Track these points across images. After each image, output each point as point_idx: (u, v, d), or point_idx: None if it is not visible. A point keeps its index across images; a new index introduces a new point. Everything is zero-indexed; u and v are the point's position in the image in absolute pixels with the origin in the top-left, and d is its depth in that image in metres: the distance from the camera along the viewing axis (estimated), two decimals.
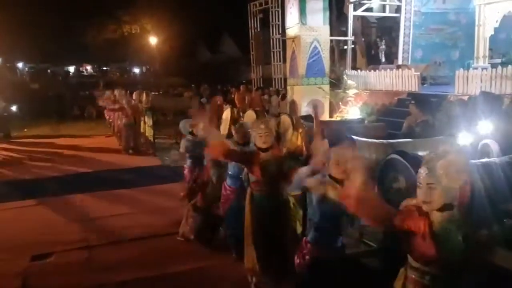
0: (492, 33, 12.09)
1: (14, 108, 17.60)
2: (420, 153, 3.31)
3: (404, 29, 14.32)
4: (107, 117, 14.71)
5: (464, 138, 4.83)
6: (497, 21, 11.89)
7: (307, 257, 3.37)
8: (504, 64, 9.87)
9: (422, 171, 2.19)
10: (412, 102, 6.22)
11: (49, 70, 43.35)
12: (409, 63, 13.69)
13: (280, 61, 16.43)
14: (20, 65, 43.13)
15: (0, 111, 16.64)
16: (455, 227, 2.27)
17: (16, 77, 37.72)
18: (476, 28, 12.24)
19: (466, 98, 7.99)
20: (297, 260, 3.46)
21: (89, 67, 46.89)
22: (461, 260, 2.31)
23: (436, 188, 2.15)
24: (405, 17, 14.28)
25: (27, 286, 4.64)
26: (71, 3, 31.74)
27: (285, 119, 5.06)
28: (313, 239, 3.36)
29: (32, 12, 30.22)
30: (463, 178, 2.16)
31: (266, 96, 15.00)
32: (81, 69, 46.47)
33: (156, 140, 12.05)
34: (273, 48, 16.66)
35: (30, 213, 6.97)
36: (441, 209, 2.23)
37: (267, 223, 4.03)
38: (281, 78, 16.22)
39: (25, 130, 16.45)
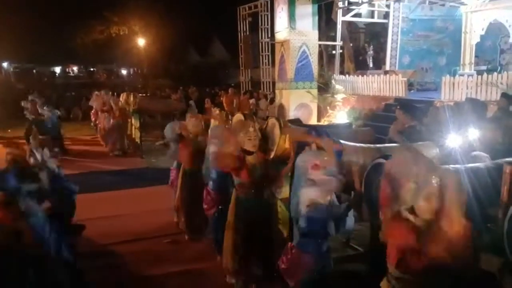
0: (478, 40, 12.29)
1: None
2: None
3: (392, 35, 14.46)
4: (93, 119, 14.55)
5: (450, 143, 4.87)
6: (483, 29, 12.09)
7: (297, 263, 3.35)
8: (489, 71, 10.02)
9: None
10: (398, 107, 6.26)
11: (34, 70, 42.83)
12: (397, 68, 13.82)
13: (268, 65, 16.46)
14: (5, 64, 42.55)
15: None
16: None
17: (1, 77, 37.20)
18: (463, 35, 12.42)
19: (451, 104, 8.09)
20: (281, 265, 3.43)
21: (75, 68, 46.46)
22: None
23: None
24: (393, 23, 14.42)
25: None
26: (58, 3, 31.45)
27: (273, 122, 5.04)
28: (299, 244, 3.35)
29: (18, 11, 29.84)
30: None
31: (253, 100, 15.01)
32: (67, 69, 46.02)
33: (143, 142, 11.95)
34: (262, 51, 16.69)
35: None
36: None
37: (252, 226, 4.02)
38: (269, 82, 16.24)
39: (9, 130, 16.20)
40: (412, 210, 2.46)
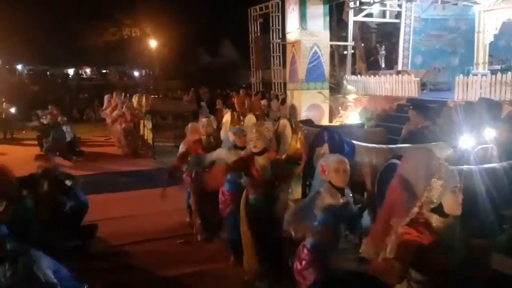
0: (492, 39, 12.15)
1: (13, 110, 17.57)
2: None
3: (404, 35, 14.37)
4: (107, 121, 14.67)
5: (464, 144, 4.82)
6: (496, 28, 11.95)
7: (303, 262, 3.35)
8: (503, 71, 9.89)
9: None
10: (411, 108, 6.21)
11: (48, 73, 43.29)
12: (409, 68, 13.72)
13: (280, 66, 16.45)
14: (19, 67, 43.11)
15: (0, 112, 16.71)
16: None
17: (15, 79, 37.67)
18: (476, 34, 12.29)
19: (464, 104, 8.01)
20: (296, 266, 3.43)
21: (88, 70, 46.85)
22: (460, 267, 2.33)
23: None
24: (405, 23, 14.32)
25: None
26: (71, 5, 31.76)
27: (284, 123, 5.05)
28: (311, 244, 3.34)
29: (32, 14, 30.20)
30: None
31: (265, 101, 15.02)
32: (80, 71, 46.40)
33: (155, 143, 12.02)
34: (273, 52, 16.68)
35: None
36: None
37: (263, 226, 4.03)
38: (280, 83, 16.22)
39: (24, 132, 16.42)
40: (435, 209, 2.47)
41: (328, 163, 3.26)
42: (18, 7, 28.87)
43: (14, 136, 16.30)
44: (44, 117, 12.17)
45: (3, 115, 16.76)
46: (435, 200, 2.46)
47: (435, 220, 2.48)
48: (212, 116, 5.72)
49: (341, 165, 3.24)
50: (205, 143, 5.38)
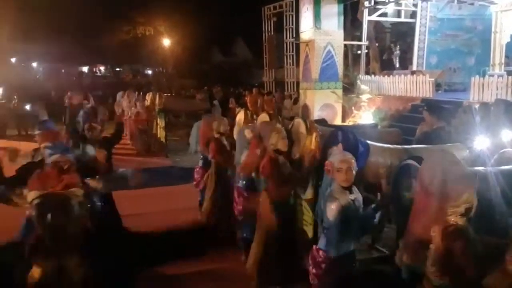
0: (509, 40, 11.96)
1: (28, 107, 17.78)
2: None
3: (419, 35, 14.24)
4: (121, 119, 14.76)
5: (480, 145, 4.76)
6: None
7: (322, 265, 3.32)
8: None
9: None
10: (426, 108, 6.14)
11: (62, 70, 43.75)
12: (424, 69, 13.59)
13: (293, 65, 16.42)
14: (34, 64, 43.64)
15: (14, 109, 16.91)
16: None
17: (31, 77, 38.12)
18: (493, 34, 12.11)
19: (480, 104, 7.89)
20: (310, 268, 3.40)
21: (102, 68, 47.25)
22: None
23: None
24: (420, 22, 14.19)
25: None
26: (87, 4, 32.05)
27: (298, 122, 5.02)
28: (324, 245, 3.33)
29: (47, 12, 30.57)
30: None
31: (273, 97, 14.94)
32: (94, 69, 46.83)
33: (168, 141, 12.07)
34: (287, 51, 16.65)
35: None
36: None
37: (279, 227, 4.01)
38: (293, 82, 16.19)
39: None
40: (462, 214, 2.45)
41: (332, 162, 3.24)
42: (34, 6, 29.23)
43: (28, 133, 16.47)
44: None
45: (19, 112, 16.95)
46: (462, 207, 2.44)
47: (456, 220, 2.46)
48: (224, 119, 5.75)
49: (343, 164, 3.18)
50: (218, 143, 5.44)
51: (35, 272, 1.78)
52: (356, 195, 3.24)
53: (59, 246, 1.79)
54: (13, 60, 40.45)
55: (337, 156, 3.32)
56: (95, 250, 1.83)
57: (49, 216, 1.74)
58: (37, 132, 4.52)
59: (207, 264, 4.96)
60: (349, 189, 3.23)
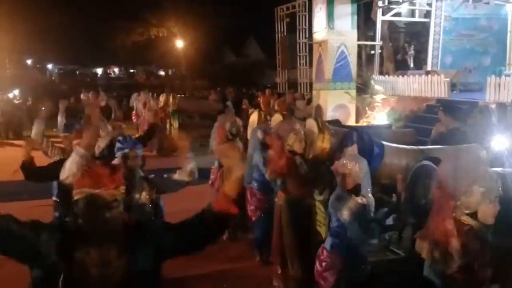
0: None
1: (43, 108, 18.00)
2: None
3: (434, 35, 14.09)
4: (134, 120, 14.90)
5: (497, 146, 4.69)
6: None
7: (323, 263, 3.33)
8: None
9: None
10: (441, 108, 6.08)
11: (77, 72, 44.28)
12: (439, 69, 13.44)
13: (306, 66, 16.37)
14: (49, 66, 44.24)
15: (29, 110, 17.13)
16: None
17: (46, 78, 38.63)
18: (508, 34, 12.00)
19: (496, 105, 7.79)
20: (317, 268, 3.41)
21: (116, 69, 47.70)
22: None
23: None
24: (435, 22, 14.04)
25: None
26: (100, 6, 32.41)
27: (311, 123, 5.01)
28: (330, 245, 3.33)
29: (62, 15, 30.95)
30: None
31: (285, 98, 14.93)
32: (108, 71, 47.30)
33: None
34: (299, 52, 16.61)
35: None
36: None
37: (295, 228, 4.01)
38: (306, 83, 16.14)
39: (54, 130, 16.81)
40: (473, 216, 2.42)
41: (335, 165, 3.27)
42: (49, 8, 29.63)
43: (45, 134, 16.70)
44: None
45: (34, 112, 17.19)
46: (472, 207, 2.41)
47: (467, 220, 2.42)
48: (237, 119, 5.76)
49: (341, 169, 3.22)
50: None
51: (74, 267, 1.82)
52: (365, 199, 3.22)
53: (99, 240, 1.83)
54: (28, 61, 41.08)
55: (342, 158, 3.33)
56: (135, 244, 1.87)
57: (93, 216, 1.77)
58: (64, 134, 4.48)
59: (221, 264, 4.97)
60: (353, 192, 3.22)
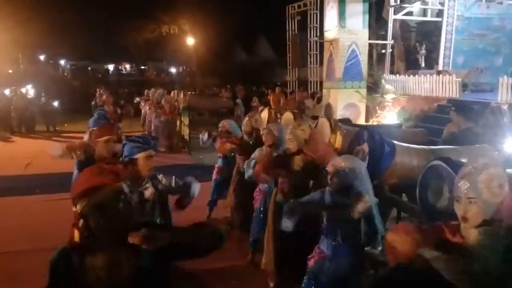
0: None
1: (56, 103, 18.20)
2: (465, 161, 3.21)
3: (446, 34, 14.00)
4: (144, 115, 15.00)
5: (509, 146, 4.68)
6: None
7: (312, 260, 3.40)
8: None
9: (462, 184, 2.09)
10: (453, 109, 6.06)
11: (89, 68, 44.60)
12: (450, 68, 13.36)
13: (316, 64, 16.36)
14: (62, 62, 44.62)
15: (43, 106, 17.33)
16: (492, 242, 2.20)
17: (58, 74, 38.94)
18: None
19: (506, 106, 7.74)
20: (309, 266, 3.45)
21: (128, 66, 47.97)
22: (498, 277, 2.25)
23: (476, 203, 2.05)
24: (447, 21, 13.95)
25: None
26: (113, 4, 32.59)
27: (322, 121, 5.01)
28: (322, 244, 3.36)
29: (75, 12, 31.19)
30: (504, 192, 2.06)
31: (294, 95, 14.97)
32: (120, 67, 47.58)
33: (191, 139, 12.20)
34: (310, 50, 16.61)
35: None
36: (478, 226, 2.16)
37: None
38: (317, 81, 16.14)
39: (66, 125, 17.00)
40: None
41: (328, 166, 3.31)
42: (62, 5, 29.87)
43: (56, 129, 16.88)
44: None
45: (48, 108, 17.37)
46: None
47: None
48: (256, 116, 5.80)
49: (330, 168, 3.25)
50: (243, 142, 5.51)
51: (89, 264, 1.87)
52: (349, 201, 3.19)
53: (112, 239, 1.87)
54: (41, 57, 41.47)
55: (334, 160, 3.35)
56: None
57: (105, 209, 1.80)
58: (93, 128, 4.47)
59: (228, 261, 4.97)
60: (339, 192, 3.23)
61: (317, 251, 3.40)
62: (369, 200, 3.16)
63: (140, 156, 3.22)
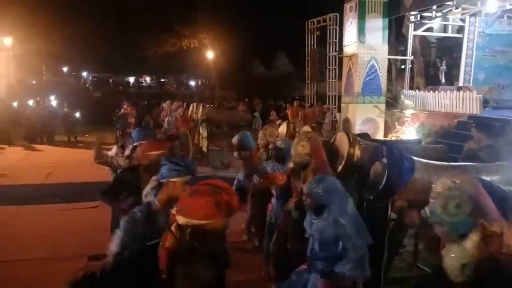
0: None
1: (77, 114, 18.53)
2: (485, 178, 3.18)
3: (467, 50, 13.88)
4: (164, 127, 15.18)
5: None
6: None
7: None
8: None
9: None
10: (474, 125, 6.01)
11: (110, 80, 45.35)
12: (471, 85, 13.23)
13: (335, 79, 16.36)
14: (84, 74, 45.50)
15: (65, 116, 17.66)
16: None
17: (80, 85, 39.68)
18: None
19: None
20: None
21: (148, 78, 48.64)
22: None
23: (442, 225, 2.22)
24: (468, 38, 13.85)
25: None
26: (134, 17, 33.22)
27: (341, 136, 5.01)
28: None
29: (97, 25, 31.88)
30: (465, 211, 2.16)
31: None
32: (140, 80, 48.28)
33: (209, 151, 12.28)
34: (329, 65, 16.63)
35: (92, 214, 7.03)
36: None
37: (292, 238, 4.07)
38: (335, 96, 16.13)
39: (87, 135, 17.25)
40: None
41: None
42: (84, 18, 30.55)
43: (77, 139, 17.15)
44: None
45: (69, 118, 17.68)
46: None
47: None
48: (270, 129, 5.82)
49: (304, 189, 3.40)
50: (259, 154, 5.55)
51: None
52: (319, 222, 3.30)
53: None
54: (64, 69, 42.38)
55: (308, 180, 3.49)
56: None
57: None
58: (140, 142, 4.32)
59: (247, 273, 4.98)
60: (315, 212, 3.33)
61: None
62: (343, 221, 3.22)
63: (178, 180, 3.06)
